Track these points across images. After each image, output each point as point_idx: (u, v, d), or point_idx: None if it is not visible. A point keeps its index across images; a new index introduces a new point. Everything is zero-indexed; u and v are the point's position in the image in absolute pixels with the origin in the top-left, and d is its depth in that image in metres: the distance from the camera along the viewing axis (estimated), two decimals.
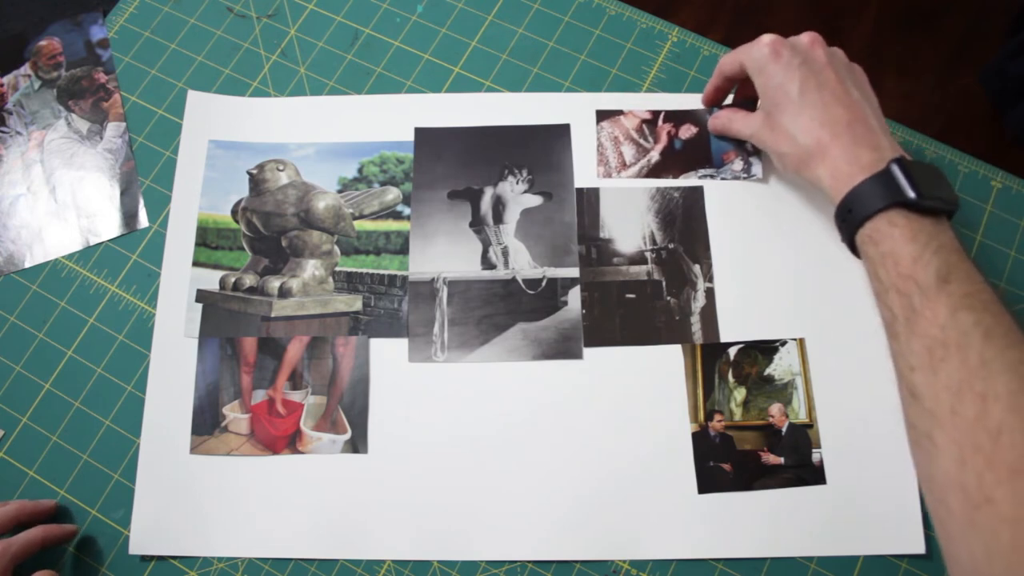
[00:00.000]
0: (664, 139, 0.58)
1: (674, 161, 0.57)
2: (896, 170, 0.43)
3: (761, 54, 0.50)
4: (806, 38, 0.50)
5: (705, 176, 0.57)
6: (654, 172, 0.57)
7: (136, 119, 0.61)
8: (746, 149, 0.57)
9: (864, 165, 0.45)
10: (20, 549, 0.47)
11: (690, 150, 0.58)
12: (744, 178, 0.56)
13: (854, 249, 0.46)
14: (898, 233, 0.42)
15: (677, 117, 0.58)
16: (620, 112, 0.59)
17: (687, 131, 0.58)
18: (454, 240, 0.56)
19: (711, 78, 0.56)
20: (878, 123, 0.47)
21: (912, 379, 0.40)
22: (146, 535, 0.51)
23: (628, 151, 0.58)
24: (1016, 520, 0.34)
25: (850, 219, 0.45)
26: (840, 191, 0.45)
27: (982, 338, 0.38)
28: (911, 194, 0.42)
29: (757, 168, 0.56)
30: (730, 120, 0.55)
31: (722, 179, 0.56)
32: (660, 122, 0.58)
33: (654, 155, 0.58)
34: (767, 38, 0.50)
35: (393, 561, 0.50)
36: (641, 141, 0.58)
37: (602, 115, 0.58)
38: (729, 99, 0.57)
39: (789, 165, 0.50)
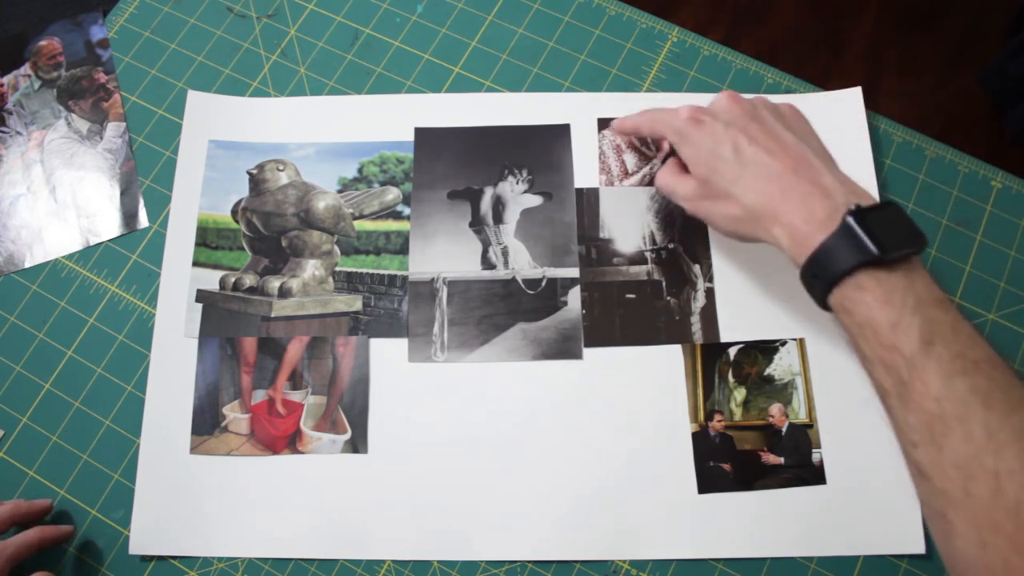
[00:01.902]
0: (666, 147, 0.58)
1: None
2: (853, 225, 0.40)
3: (682, 125, 0.48)
4: (722, 98, 0.48)
5: None
6: None
7: (136, 119, 0.61)
8: None
9: (821, 221, 0.41)
10: (16, 550, 0.47)
11: None
12: None
13: (827, 308, 0.43)
14: (870, 298, 0.39)
15: None
16: None
17: None
18: (454, 240, 0.56)
19: (627, 124, 0.53)
20: (822, 161, 0.44)
21: (916, 456, 0.38)
22: (146, 535, 0.51)
23: (630, 159, 0.58)
24: None
25: (816, 285, 0.42)
26: (801, 255, 0.42)
27: (982, 406, 0.36)
28: (874, 250, 0.39)
29: None
30: (674, 184, 0.50)
31: None
32: None
33: (656, 163, 0.57)
34: (684, 109, 0.48)
35: (393, 561, 0.50)
36: (643, 149, 0.58)
37: (604, 123, 0.58)
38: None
39: (739, 228, 0.46)
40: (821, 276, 0.41)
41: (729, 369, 0.53)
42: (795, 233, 0.42)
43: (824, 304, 0.43)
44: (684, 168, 0.50)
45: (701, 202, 0.48)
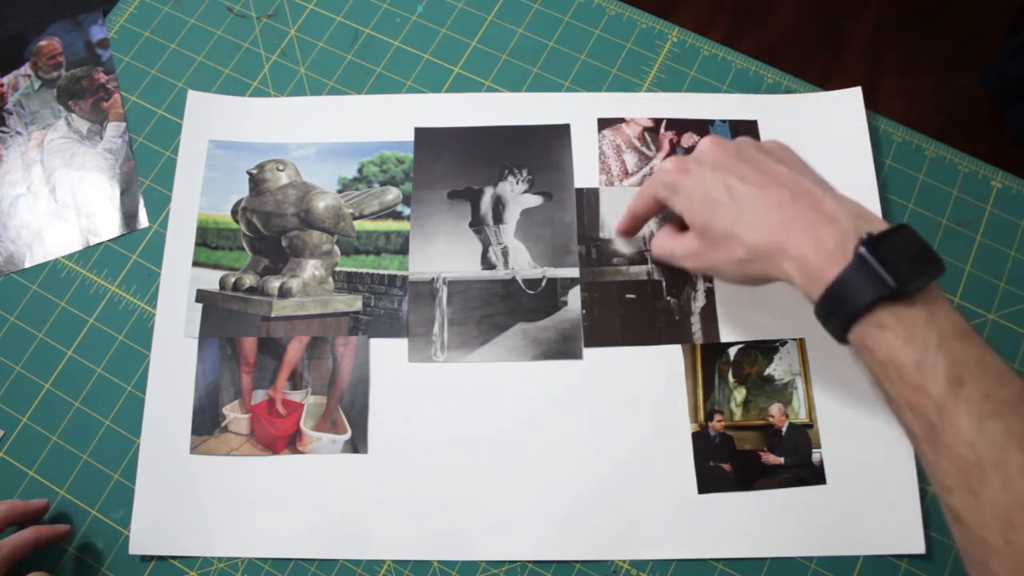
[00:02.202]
0: (666, 147, 0.58)
1: None
2: (868, 257, 0.38)
3: (670, 178, 0.47)
4: (705, 143, 0.47)
5: None
6: None
7: (136, 119, 0.61)
8: None
9: (831, 252, 0.39)
10: (12, 550, 0.47)
11: None
12: None
13: (846, 343, 0.41)
14: (891, 336, 0.37)
15: (679, 125, 0.58)
16: (622, 120, 0.59)
17: (689, 139, 0.58)
18: (454, 240, 0.56)
19: (623, 217, 0.53)
20: (819, 187, 0.43)
21: (951, 502, 0.36)
22: (146, 535, 0.51)
23: (630, 159, 0.58)
24: None
25: (833, 322, 0.40)
26: (814, 290, 0.40)
27: (1018, 449, 0.34)
28: (892, 283, 0.37)
29: None
30: (672, 246, 0.49)
31: None
32: (662, 130, 0.58)
33: (656, 163, 0.57)
34: (668, 162, 0.47)
35: (393, 561, 0.50)
36: (643, 149, 0.58)
37: (604, 123, 0.58)
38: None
39: (748, 271, 0.44)
40: (838, 313, 0.39)
41: (729, 369, 0.53)
42: (806, 267, 0.40)
43: (843, 340, 0.40)
44: (677, 231, 0.49)
45: (703, 254, 0.46)
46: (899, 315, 0.37)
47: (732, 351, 0.53)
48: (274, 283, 0.55)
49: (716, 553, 0.50)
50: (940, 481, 0.36)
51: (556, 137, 0.58)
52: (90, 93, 0.62)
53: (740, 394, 0.52)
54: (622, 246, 0.55)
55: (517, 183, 0.57)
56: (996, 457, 0.34)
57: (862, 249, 0.38)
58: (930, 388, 0.36)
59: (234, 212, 0.58)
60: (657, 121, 0.58)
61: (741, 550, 0.49)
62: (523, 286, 0.55)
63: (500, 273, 0.55)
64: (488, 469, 0.51)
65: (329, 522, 0.51)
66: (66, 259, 0.58)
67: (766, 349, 0.53)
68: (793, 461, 0.51)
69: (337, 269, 0.56)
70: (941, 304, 0.38)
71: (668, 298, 0.54)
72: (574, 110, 0.59)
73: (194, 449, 0.52)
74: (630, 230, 0.55)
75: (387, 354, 0.54)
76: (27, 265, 0.58)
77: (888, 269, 0.37)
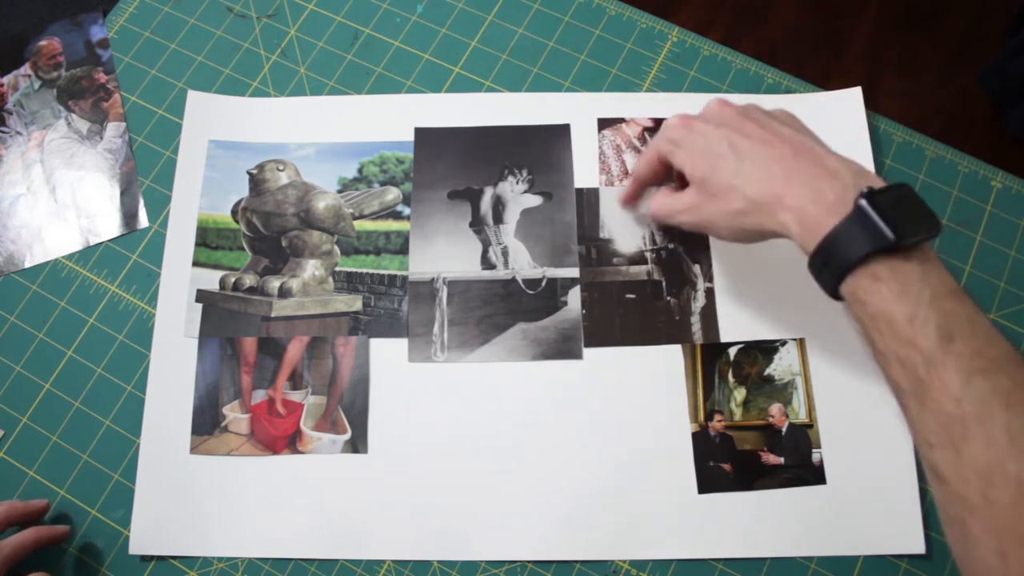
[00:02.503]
0: None
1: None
2: (867, 208, 0.38)
3: (673, 133, 0.47)
4: (712, 103, 0.47)
5: None
6: None
7: (136, 119, 0.61)
8: None
9: (830, 203, 0.39)
10: (12, 551, 0.47)
11: None
12: None
13: (838, 297, 0.41)
14: (885, 289, 0.37)
15: None
16: (622, 120, 0.58)
17: None
18: (454, 240, 0.56)
19: (628, 185, 0.54)
20: (822, 147, 0.43)
21: (932, 458, 0.36)
22: (146, 535, 0.51)
23: (630, 159, 0.58)
24: None
25: (827, 274, 0.40)
26: (810, 240, 0.40)
27: (1003, 407, 0.34)
28: (890, 235, 0.37)
29: None
30: (670, 201, 0.49)
31: None
32: None
33: None
34: (673, 118, 0.48)
35: (393, 561, 0.50)
36: (643, 149, 0.58)
37: (604, 123, 0.58)
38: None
39: (745, 223, 0.44)
40: (833, 264, 0.39)
41: (729, 369, 0.53)
42: (803, 217, 0.40)
43: (835, 293, 0.41)
44: (675, 190, 0.50)
45: (701, 207, 0.46)
46: (894, 268, 0.38)
47: (732, 351, 0.53)
48: (274, 283, 0.55)
49: (716, 553, 0.50)
50: (923, 437, 0.36)
51: (556, 137, 0.58)
52: (90, 93, 0.62)
53: (740, 394, 0.52)
54: (624, 238, 0.55)
55: (517, 183, 0.57)
56: (980, 413, 0.34)
57: (862, 201, 0.38)
58: (920, 342, 0.36)
59: (234, 212, 0.58)
60: (657, 121, 0.58)
61: (741, 550, 0.49)
62: (523, 286, 0.55)
63: (500, 273, 0.55)
64: (488, 469, 0.51)
65: (329, 522, 0.51)
66: (66, 259, 0.58)
67: (766, 349, 0.53)
68: (793, 461, 0.51)
69: (337, 269, 0.56)
70: (934, 263, 0.38)
71: (668, 298, 0.54)
72: (574, 110, 0.59)
73: (194, 449, 0.52)
74: (633, 195, 0.55)
75: (387, 354, 0.54)
76: (27, 265, 0.58)
77: (887, 222, 0.37)
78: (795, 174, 0.41)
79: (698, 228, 0.48)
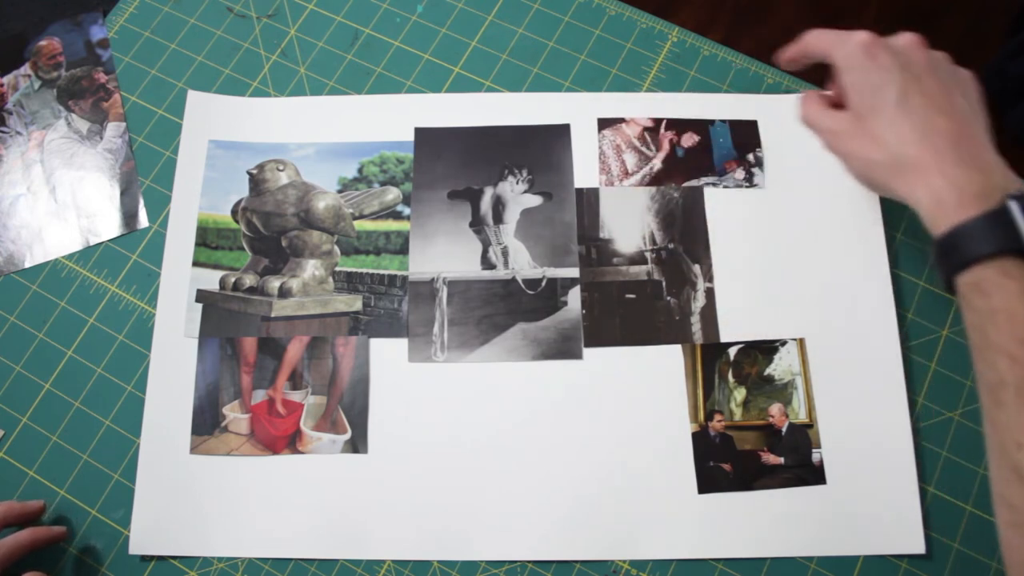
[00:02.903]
0: (666, 147, 0.58)
1: (676, 169, 0.57)
2: (1014, 210, 0.38)
3: (854, 52, 0.45)
4: (905, 39, 0.45)
5: (707, 184, 0.57)
6: (656, 180, 0.57)
7: (136, 119, 0.61)
8: (748, 160, 0.57)
9: (973, 195, 0.39)
10: (8, 552, 0.47)
11: (692, 158, 0.58)
12: (746, 187, 0.56)
13: (950, 287, 0.41)
14: (1014, 287, 0.37)
15: (679, 125, 0.58)
16: (622, 120, 0.59)
17: (689, 139, 0.58)
18: (454, 240, 0.56)
19: (794, 46, 0.50)
20: (986, 138, 0.43)
21: (1019, 458, 0.36)
22: (146, 535, 0.51)
23: (630, 159, 0.58)
24: None
25: (952, 258, 0.40)
26: (941, 223, 0.40)
27: None
28: None
29: (760, 178, 0.56)
30: (820, 115, 0.48)
31: (724, 187, 0.56)
32: (662, 130, 0.58)
33: (656, 163, 0.57)
34: (861, 35, 0.45)
35: (393, 561, 0.50)
36: (643, 149, 0.58)
37: (604, 123, 0.58)
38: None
39: (876, 175, 0.44)
40: (962, 250, 0.39)
41: (729, 369, 0.53)
42: (941, 198, 0.40)
43: (951, 277, 0.40)
44: (828, 104, 0.48)
45: (845, 140, 0.46)
46: None
47: (732, 351, 0.53)
48: (274, 283, 0.55)
49: (716, 553, 0.50)
50: (1012, 435, 0.36)
51: (556, 137, 0.58)
52: (90, 93, 0.62)
53: (740, 394, 0.52)
54: (624, 238, 0.55)
55: (517, 183, 0.57)
56: None
57: (1011, 202, 0.38)
58: None
59: (234, 212, 0.58)
60: (657, 121, 0.58)
61: (741, 550, 0.49)
62: (523, 286, 0.55)
63: (500, 273, 0.55)
64: (488, 469, 0.51)
65: (329, 522, 0.51)
66: (66, 259, 0.58)
67: (766, 349, 0.53)
68: (793, 461, 0.51)
69: (337, 269, 0.56)
70: None
71: (668, 298, 0.54)
72: (574, 110, 0.59)
73: (194, 449, 0.52)
74: (793, 58, 0.51)
75: (387, 354, 0.54)
76: (27, 265, 0.58)
77: None
78: (949, 155, 0.41)
79: (833, 153, 0.48)
